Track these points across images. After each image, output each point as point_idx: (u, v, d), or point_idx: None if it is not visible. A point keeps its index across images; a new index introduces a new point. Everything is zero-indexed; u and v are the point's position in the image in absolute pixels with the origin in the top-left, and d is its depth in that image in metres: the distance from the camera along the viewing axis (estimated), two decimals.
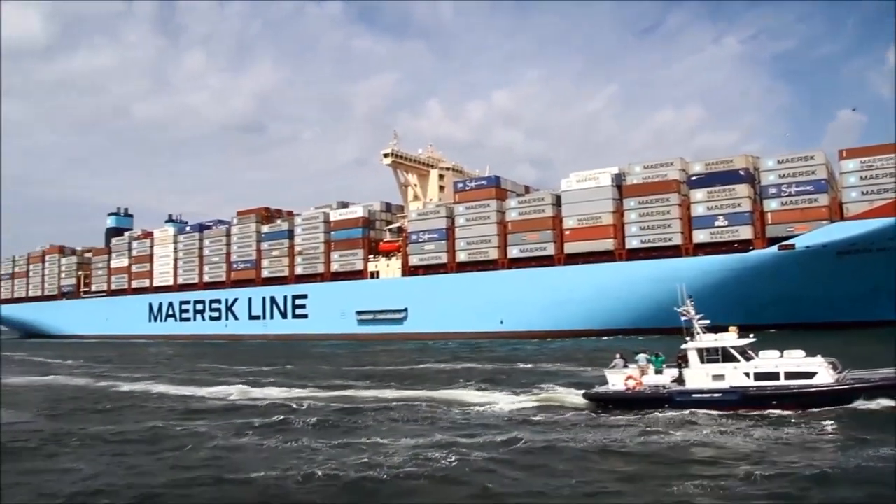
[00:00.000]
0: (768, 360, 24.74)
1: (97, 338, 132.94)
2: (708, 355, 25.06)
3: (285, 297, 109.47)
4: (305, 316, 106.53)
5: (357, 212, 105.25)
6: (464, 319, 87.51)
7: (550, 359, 51.05)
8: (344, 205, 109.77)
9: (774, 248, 70.61)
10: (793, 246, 69.37)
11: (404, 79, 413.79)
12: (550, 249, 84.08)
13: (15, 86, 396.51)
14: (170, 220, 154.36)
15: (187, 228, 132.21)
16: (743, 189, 74.32)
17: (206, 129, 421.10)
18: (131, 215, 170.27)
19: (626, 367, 27.08)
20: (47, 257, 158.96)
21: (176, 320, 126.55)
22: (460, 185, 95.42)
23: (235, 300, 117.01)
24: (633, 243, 79.14)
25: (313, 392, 35.57)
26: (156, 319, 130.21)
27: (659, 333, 68.27)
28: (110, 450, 23.27)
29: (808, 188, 71.36)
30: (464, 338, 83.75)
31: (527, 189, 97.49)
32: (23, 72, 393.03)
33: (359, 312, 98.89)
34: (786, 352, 24.86)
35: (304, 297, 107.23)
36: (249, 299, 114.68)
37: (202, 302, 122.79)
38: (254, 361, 59.53)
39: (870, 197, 68.56)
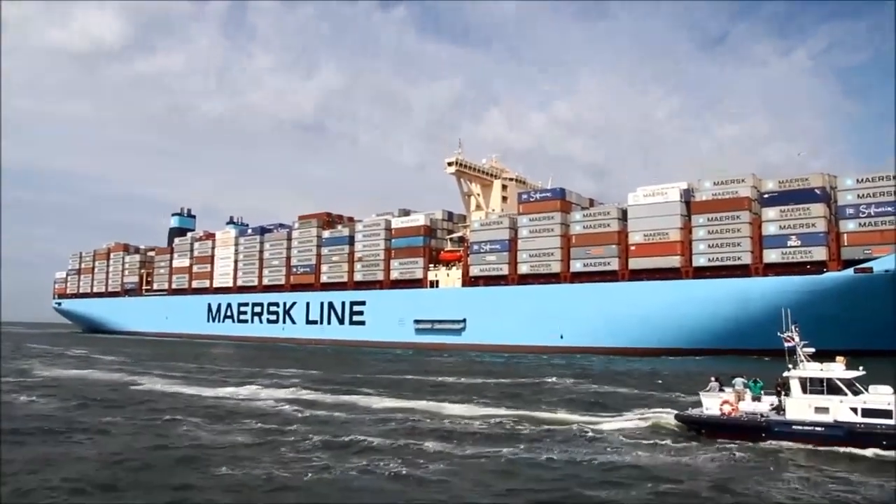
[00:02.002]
0: (880, 395, 23.08)
1: (156, 335, 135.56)
2: (811, 385, 23.80)
3: (343, 303, 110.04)
4: (363, 322, 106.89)
5: (419, 220, 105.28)
6: (523, 332, 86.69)
7: (619, 380, 49.96)
8: (405, 212, 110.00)
9: (850, 271, 68.19)
10: (870, 269, 66.89)
11: (465, 85, 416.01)
12: (615, 264, 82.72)
13: (91, 85, 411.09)
14: (231, 222, 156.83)
15: (248, 231, 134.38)
16: (818, 208, 72.07)
17: (268, 129, 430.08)
18: (194, 216, 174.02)
19: (721, 391, 26.05)
20: (112, 255, 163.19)
21: (234, 321, 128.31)
22: (525, 196, 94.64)
23: (293, 304, 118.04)
24: (700, 261, 77.36)
25: (416, 403, 35.09)
26: (214, 320, 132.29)
27: (727, 355, 66.92)
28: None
29: (888, 209, 68.75)
30: (523, 351, 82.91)
31: (591, 202, 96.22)
32: (98, 72, 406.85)
33: (417, 321, 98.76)
34: None
35: (363, 303, 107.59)
36: (307, 304, 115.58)
37: (260, 304, 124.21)
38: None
39: None
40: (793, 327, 24.69)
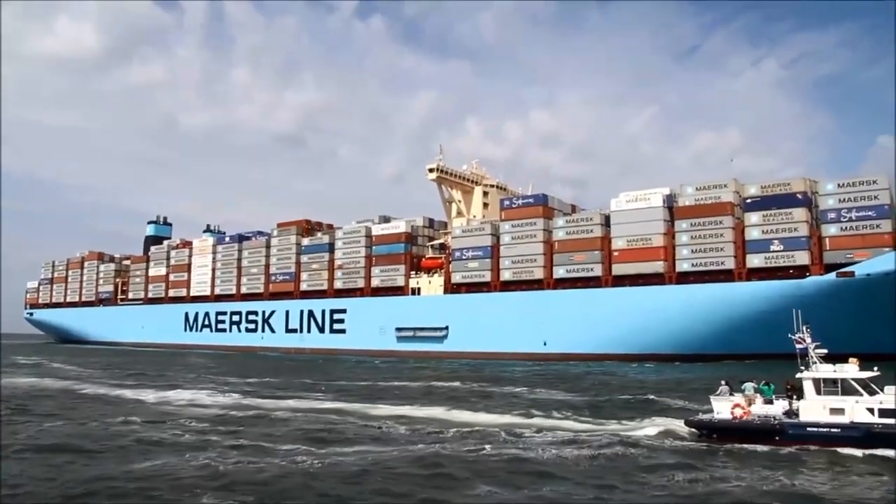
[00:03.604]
0: None
1: (132, 345, 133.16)
2: (825, 387, 23.57)
3: (323, 311, 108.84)
4: (343, 331, 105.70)
5: (400, 227, 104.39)
6: (506, 339, 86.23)
7: (612, 385, 49.68)
8: (386, 219, 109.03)
9: (832, 275, 68.58)
10: (852, 273, 67.33)
11: (444, 97, 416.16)
12: (598, 270, 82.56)
13: (71, 96, 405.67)
14: (208, 230, 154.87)
15: (226, 239, 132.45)
16: (800, 213, 72.59)
17: (250, 142, 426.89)
18: (170, 224, 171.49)
19: (731, 395, 25.73)
20: (86, 263, 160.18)
21: (212, 331, 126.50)
22: (507, 202, 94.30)
23: (273, 312, 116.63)
24: (683, 266, 77.45)
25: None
26: (191, 329, 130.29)
27: (711, 360, 66.93)
28: None
29: (869, 213, 69.44)
30: (506, 358, 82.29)
31: (573, 208, 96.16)
32: (78, 83, 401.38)
33: (398, 329, 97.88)
34: None
35: (343, 311, 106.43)
36: (287, 312, 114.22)
37: (239, 313, 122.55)
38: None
39: None
40: (804, 328, 24.47)
